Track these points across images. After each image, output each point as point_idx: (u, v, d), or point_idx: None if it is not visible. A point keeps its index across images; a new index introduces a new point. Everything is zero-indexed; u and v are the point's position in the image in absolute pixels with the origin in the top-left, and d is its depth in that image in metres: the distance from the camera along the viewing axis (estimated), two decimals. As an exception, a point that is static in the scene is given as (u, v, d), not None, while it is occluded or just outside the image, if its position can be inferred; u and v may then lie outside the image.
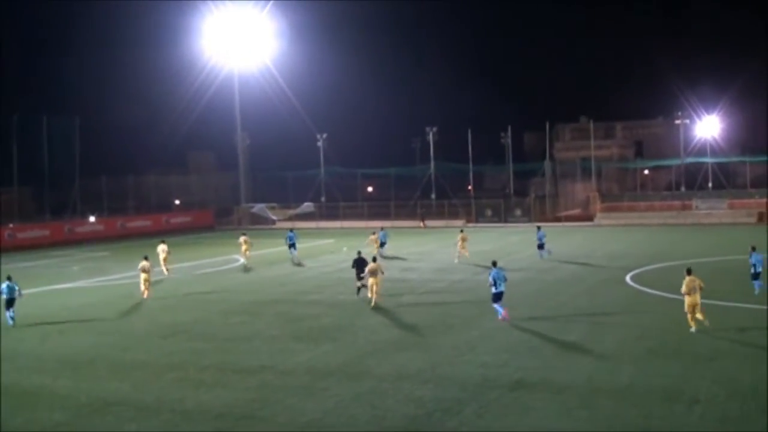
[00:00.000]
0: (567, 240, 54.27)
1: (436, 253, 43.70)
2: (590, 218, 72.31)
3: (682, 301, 22.65)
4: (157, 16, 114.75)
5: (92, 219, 72.19)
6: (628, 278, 33.27)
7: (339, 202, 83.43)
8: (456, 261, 40.89)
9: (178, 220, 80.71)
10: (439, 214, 76.60)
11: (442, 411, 15.96)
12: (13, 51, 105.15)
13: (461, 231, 43.85)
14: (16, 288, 27.59)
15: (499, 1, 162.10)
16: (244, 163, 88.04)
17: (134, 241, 62.68)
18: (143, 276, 32.57)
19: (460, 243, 41.54)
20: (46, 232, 66.71)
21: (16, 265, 48.19)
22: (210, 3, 78.63)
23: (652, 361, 19.38)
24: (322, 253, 48.08)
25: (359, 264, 30.84)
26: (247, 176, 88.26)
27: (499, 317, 24.65)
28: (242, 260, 44.75)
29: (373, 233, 41.91)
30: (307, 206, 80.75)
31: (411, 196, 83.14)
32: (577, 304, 28.07)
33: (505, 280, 25.16)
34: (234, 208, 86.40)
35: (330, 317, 26.97)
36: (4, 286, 27.48)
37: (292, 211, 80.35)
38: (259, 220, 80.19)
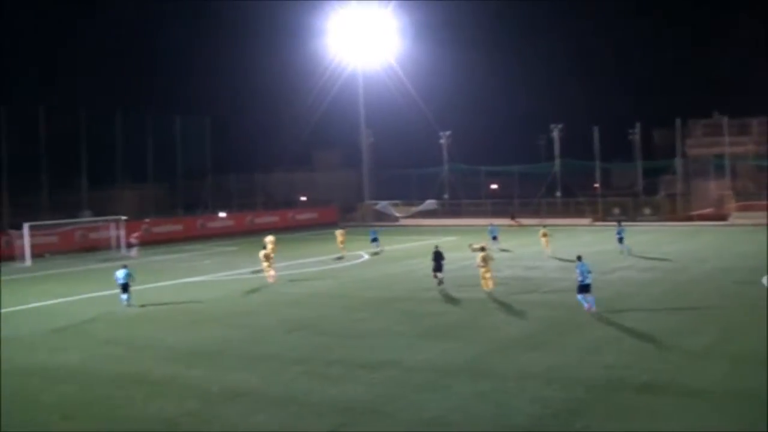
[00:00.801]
0: (699, 240, 52.47)
1: (558, 253, 42.95)
2: (724, 218, 69.42)
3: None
4: (284, 16, 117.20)
5: (223, 215, 74.59)
6: (764, 280, 31.84)
7: (462, 200, 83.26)
8: (545, 256, 42.96)
9: (303, 216, 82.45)
10: (565, 213, 75.30)
11: (568, 412, 15.70)
12: (151, 55, 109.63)
13: (543, 227, 46.64)
14: (131, 275, 30.87)
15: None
16: (367, 161, 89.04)
17: (262, 236, 64.15)
18: (265, 264, 36.24)
19: (543, 239, 44.29)
20: (180, 227, 69.33)
21: (150, 258, 50.43)
22: (335, 2, 79.97)
23: (791, 366, 18.50)
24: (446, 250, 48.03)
25: (437, 258, 33.34)
26: (370, 173, 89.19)
27: (585, 308, 25.68)
28: (365, 255, 47.53)
29: (469, 245, 43.16)
30: (430, 203, 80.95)
31: (535, 194, 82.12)
32: (709, 304, 27.06)
33: (590, 272, 26.06)
34: (358, 205, 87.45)
35: (453, 314, 26.99)
36: (121, 273, 30.56)
37: (415, 209, 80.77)
38: (382, 216, 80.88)
